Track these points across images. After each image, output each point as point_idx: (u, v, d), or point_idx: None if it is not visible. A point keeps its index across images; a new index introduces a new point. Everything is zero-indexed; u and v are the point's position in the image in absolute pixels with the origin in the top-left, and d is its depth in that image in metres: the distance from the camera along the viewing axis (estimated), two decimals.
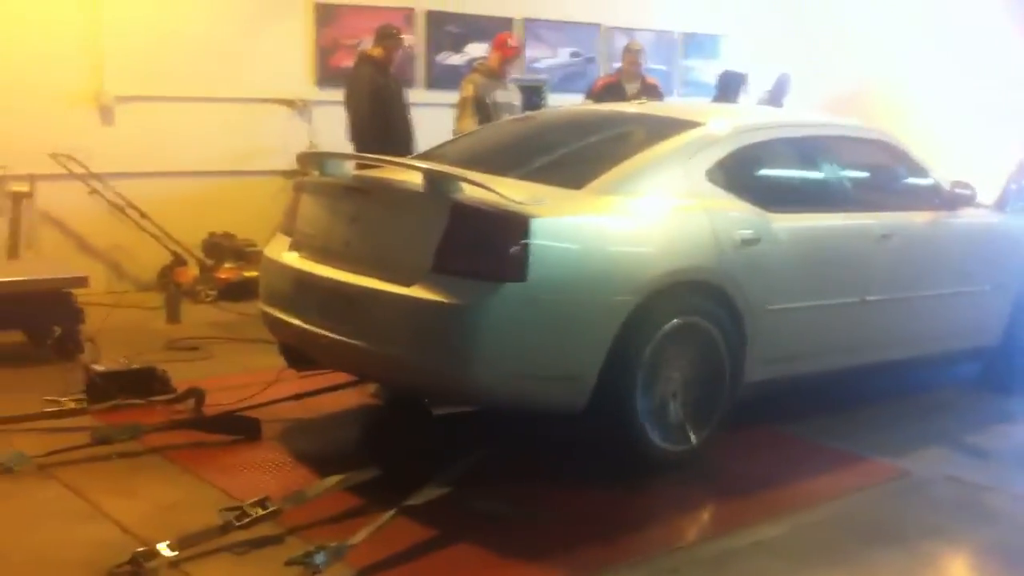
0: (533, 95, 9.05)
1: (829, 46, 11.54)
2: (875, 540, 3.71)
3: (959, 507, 4.08)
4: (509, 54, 7.70)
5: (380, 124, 7.03)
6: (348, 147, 7.04)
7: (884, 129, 5.46)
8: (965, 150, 9.33)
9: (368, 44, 7.62)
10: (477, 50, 9.16)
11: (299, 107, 8.36)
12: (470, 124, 7.19)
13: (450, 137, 6.31)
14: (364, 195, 4.38)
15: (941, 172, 5.43)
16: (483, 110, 7.36)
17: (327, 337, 4.16)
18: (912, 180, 5.45)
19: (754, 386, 4.45)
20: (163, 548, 3.24)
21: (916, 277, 5.12)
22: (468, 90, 7.45)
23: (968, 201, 5.35)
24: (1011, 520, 4.00)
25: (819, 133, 5.20)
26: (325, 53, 8.47)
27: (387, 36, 7.38)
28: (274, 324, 4.58)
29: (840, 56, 11.41)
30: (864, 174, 5.48)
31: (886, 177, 5.54)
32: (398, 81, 7.60)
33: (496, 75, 7.60)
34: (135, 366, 5.00)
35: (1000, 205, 5.66)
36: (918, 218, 5.24)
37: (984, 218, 5.54)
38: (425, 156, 5.00)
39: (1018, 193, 5.82)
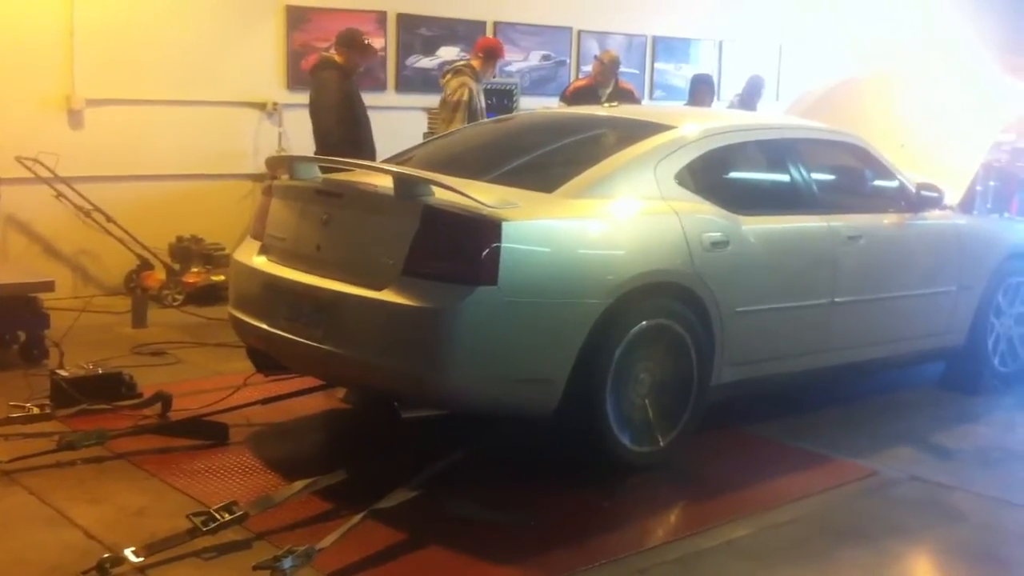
0: (504, 98, 9.05)
1: (799, 49, 11.64)
2: (841, 539, 3.74)
3: (924, 507, 4.12)
4: (502, 56, 7.73)
5: (347, 130, 6.98)
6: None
7: (852, 132, 5.50)
8: (931, 153, 9.41)
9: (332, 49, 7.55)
10: (448, 53, 9.16)
11: (270, 110, 8.32)
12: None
13: (421, 140, 6.29)
14: (335, 199, 4.35)
15: (908, 174, 5.49)
16: (472, 114, 7.33)
17: (296, 341, 4.14)
18: (880, 182, 5.50)
19: (723, 388, 4.48)
20: (129, 554, 3.22)
21: (884, 278, 5.17)
22: (464, 94, 7.35)
23: (935, 203, 5.41)
24: (974, 520, 4.04)
25: (788, 136, 5.22)
26: (297, 56, 8.42)
27: (355, 44, 7.23)
28: (242, 328, 4.55)
29: (810, 59, 11.51)
30: (833, 177, 5.53)
31: (854, 179, 5.59)
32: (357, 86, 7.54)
33: (480, 79, 7.58)
34: (101, 371, 4.95)
35: (966, 207, 5.72)
36: (885, 220, 5.30)
37: (950, 220, 5.61)
38: (397, 159, 4.99)
39: (984, 195, 5.90)
